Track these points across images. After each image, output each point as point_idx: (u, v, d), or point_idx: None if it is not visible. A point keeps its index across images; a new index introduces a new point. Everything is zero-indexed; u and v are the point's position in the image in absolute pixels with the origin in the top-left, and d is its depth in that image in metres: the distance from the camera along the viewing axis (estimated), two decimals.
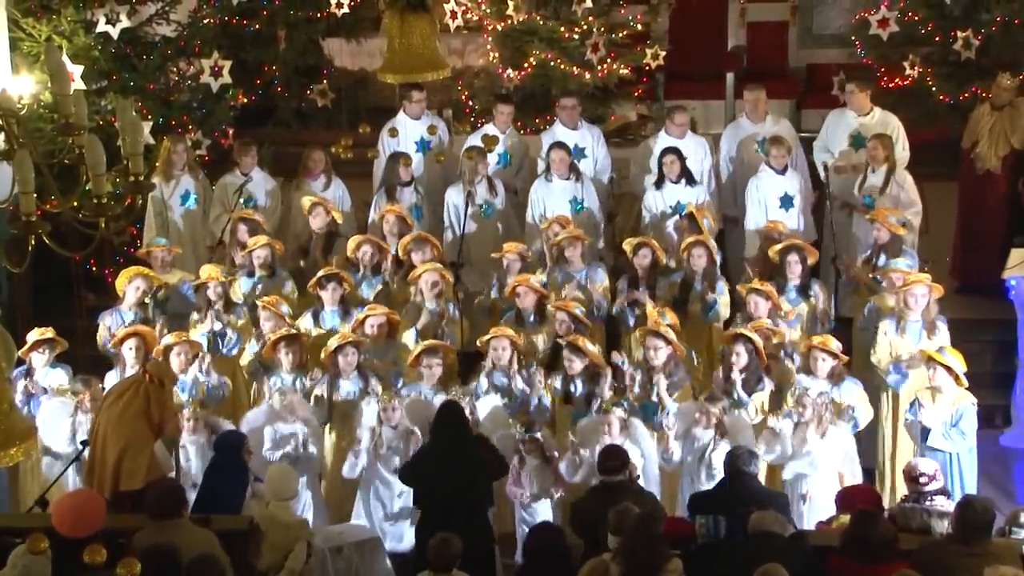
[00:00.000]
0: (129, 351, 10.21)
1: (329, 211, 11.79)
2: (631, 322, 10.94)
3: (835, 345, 9.87)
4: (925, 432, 9.56)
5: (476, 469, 9.00)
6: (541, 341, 10.59)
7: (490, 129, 12.84)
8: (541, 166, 12.44)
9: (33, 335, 10.25)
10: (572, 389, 10.02)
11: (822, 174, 12.27)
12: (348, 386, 10.12)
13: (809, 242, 11.64)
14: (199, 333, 10.70)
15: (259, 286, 11.28)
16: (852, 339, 11.00)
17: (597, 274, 11.30)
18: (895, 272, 10.65)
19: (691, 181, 12.11)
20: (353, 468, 9.67)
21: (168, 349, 10.14)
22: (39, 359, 10.23)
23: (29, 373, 10.22)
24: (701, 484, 9.31)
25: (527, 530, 9.16)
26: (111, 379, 10.24)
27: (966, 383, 9.56)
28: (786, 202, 11.97)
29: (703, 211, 11.67)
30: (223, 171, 12.65)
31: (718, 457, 9.19)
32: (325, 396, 10.10)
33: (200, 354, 10.25)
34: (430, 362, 9.98)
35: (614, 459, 8.70)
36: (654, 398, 9.88)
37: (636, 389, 9.95)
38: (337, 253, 11.65)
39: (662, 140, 12.64)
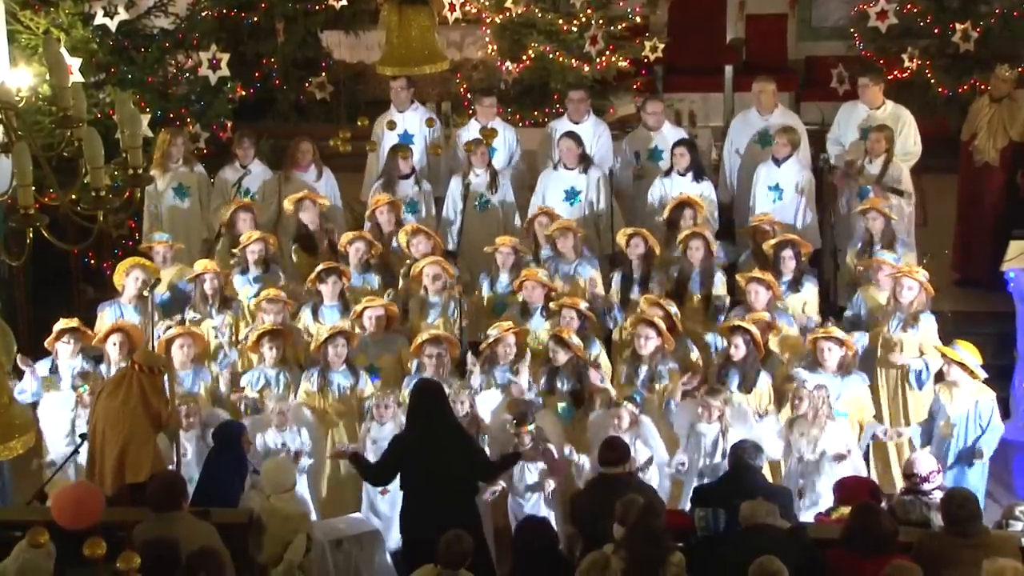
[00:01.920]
0: (113, 347, 10.17)
1: (316, 202, 11.78)
2: (619, 318, 10.90)
3: (840, 333, 9.86)
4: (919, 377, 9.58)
5: (456, 450, 8.88)
6: (545, 335, 10.55)
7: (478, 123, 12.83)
8: (555, 156, 12.42)
9: (59, 325, 10.23)
10: (559, 384, 10.00)
11: (832, 164, 12.30)
12: (339, 379, 10.10)
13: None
14: (206, 326, 10.70)
15: (255, 281, 11.27)
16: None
17: (585, 268, 11.26)
18: (883, 264, 10.66)
19: (699, 175, 12.07)
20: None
21: (171, 341, 10.13)
22: (64, 349, 10.20)
23: (54, 365, 10.21)
24: (708, 478, 9.27)
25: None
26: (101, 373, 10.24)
27: (983, 375, 9.55)
28: (774, 191, 11.96)
29: (700, 204, 11.64)
30: (221, 164, 12.64)
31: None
32: (315, 388, 10.08)
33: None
34: (432, 352, 9.96)
35: (614, 451, 8.68)
36: (638, 385, 9.87)
37: (622, 380, 9.94)
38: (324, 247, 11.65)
39: (639, 132, 12.68)
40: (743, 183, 12.55)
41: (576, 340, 10.00)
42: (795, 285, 10.90)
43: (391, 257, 11.58)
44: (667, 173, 12.15)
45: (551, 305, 10.60)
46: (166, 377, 9.37)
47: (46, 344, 10.23)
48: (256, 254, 11.28)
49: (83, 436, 9.52)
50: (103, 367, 10.25)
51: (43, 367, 10.21)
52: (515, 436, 9.36)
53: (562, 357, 9.95)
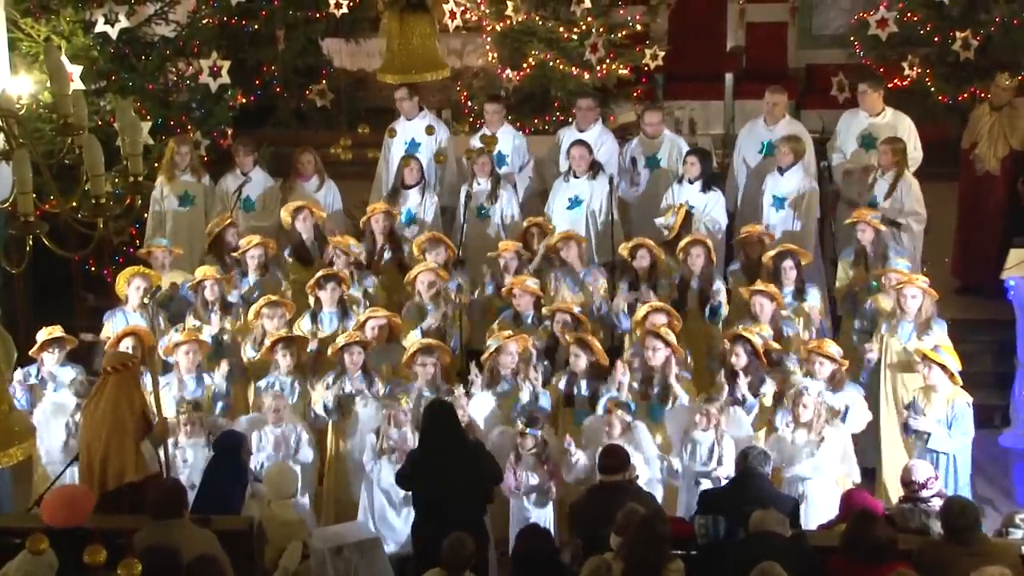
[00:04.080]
0: (125, 351, 10.16)
1: (313, 212, 11.80)
2: (625, 324, 10.91)
3: (833, 349, 9.85)
4: (921, 433, 9.56)
5: (469, 467, 8.93)
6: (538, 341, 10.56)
7: (487, 130, 12.85)
8: (563, 165, 12.43)
9: (42, 335, 10.24)
10: (575, 390, 9.98)
11: (832, 176, 12.30)
12: (353, 386, 10.11)
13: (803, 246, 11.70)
14: (205, 334, 10.69)
15: (256, 286, 11.27)
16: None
17: (596, 277, 11.27)
18: (893, 273, 10.65)
19: (708, 185, 12.04)
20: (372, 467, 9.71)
21: (176, 347, 10.13)
22: (50, 359, 10.21)
23: (39, 373, 10.21)
24: (703, 486, 9.27)
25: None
26: None
27: (960, 381, 9.55)
28: (777, 203, 11.95)
29: (685, 212, 11.64)
30: (222, 171, 12.66)
31: (726, 457, 9.22)
32: (334, 395, 10.08)
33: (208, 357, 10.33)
34: (424, 361, 9.96)
35: (614, 458, 8.69)
36: (653, 397, 9.86)
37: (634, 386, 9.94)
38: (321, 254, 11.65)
39: (637, 141, 12.69)
40: (749, 194, 12.54)
41: (597, 344, 10.01)
42: (799, 295, 10.88)
43: (379, 263, 11.64)
44: (679, 181, 12.16)
45: (543, 311, 10.60)
46: (150, 383, 9.39)
47: (31, 353, 10.23)
48: (256, 259, 11.30)
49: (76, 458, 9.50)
50: None
51: (29, 375, 10.21)
52: (519, 436, 9.37)
53: (583, 362, 9.92)
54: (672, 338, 9.95)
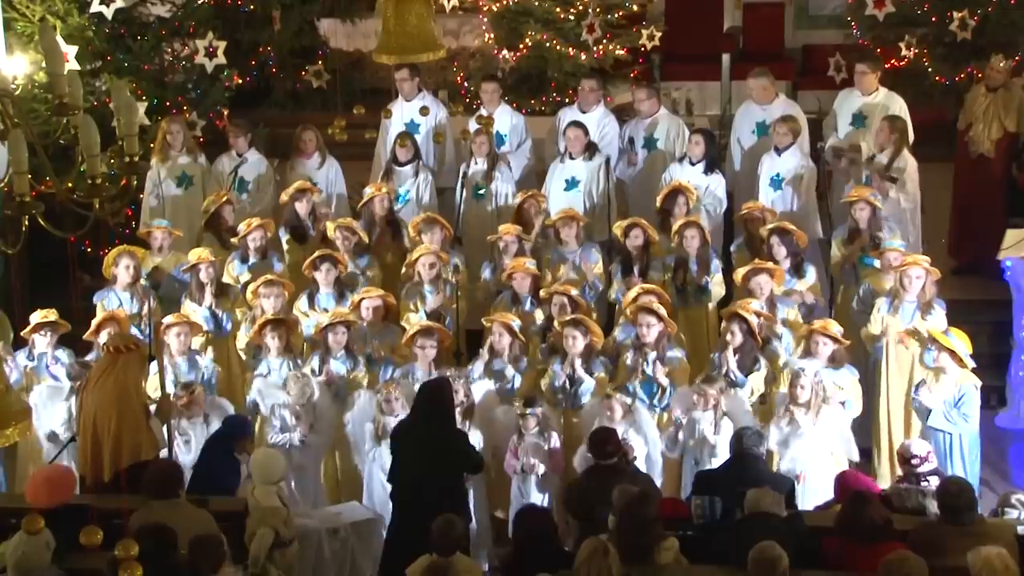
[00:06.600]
0: (107, 336, 10.12)
1: (313, 193, 11.79)
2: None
3: (836, 329, 9.87)
4: (927, 413, 9.58)
5: (449, 447, 8.89)
6: (538, 322, 10.57)
7: (483, 110, 12.84)
8: (561, 146, 12.42)
9: (35, 317, 10.22)
10: (572, 372, 9.95)
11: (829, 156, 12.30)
12: (337, 366, 10.10)
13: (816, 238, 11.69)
14: (198, 315, 10.68)
15: (251, 269, 11.26)
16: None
17: (590, 255, 11.27)
18: (892, 252, 10.65)
19: (710, 167, 12.00)
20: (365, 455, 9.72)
21: (167, 328, 10.12)
22: (41, 341, 10.18)
23: (31, 355, 10.19)
24: (704, 467, 9.26)
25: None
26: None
27: (971, 365, 9.55)
28: (775, 183, 11.94)
29: (692, 191, 11.61)
30: (218, 152, 12.63)
31: (722, 439, 9.21)
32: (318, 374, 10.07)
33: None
34: (424, 343, 9.96)
35: (605, 442, 8.69)
36: (648, 371, 9.87)
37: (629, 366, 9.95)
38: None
39: (635, 121, 12.67)
40: (744, 174, 12.53)
41: (594, 324, 10.00)
42: (797, 271, 10.87)
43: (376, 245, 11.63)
44: (680, 161, 12.13)
45: (541, 293, 10.60)
46: (155, 364, 9.39)
47: (23, 334, 10.22)
48: (257, 241, 11.30)
49: (72, 438, 9.51)
50: (94, 354, 10.23)
51: (20, 357, 10.20)
52: (520, 418, 9.38)
53: (580, 343, 9.87)
54: (664, 313, 9.96)
